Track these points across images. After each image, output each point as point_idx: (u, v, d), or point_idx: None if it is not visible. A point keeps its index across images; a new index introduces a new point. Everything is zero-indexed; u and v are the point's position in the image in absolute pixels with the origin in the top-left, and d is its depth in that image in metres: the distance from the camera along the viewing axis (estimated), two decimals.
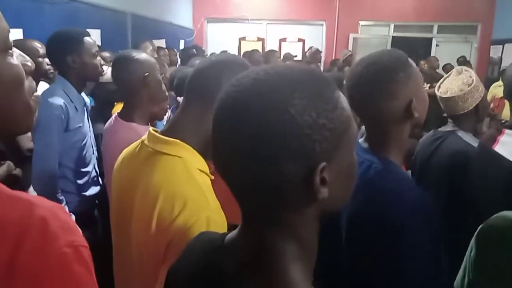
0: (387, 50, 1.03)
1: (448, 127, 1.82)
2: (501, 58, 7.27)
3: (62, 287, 0.52)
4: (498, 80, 5.23)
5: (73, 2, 3.70)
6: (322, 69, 7.01)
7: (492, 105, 4.33)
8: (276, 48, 7.08)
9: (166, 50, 4.66)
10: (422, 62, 6.37)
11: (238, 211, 0.57)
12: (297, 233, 0.54)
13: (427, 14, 7.90)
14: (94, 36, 2.23)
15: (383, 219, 0.91)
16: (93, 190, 2.05)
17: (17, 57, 0.59)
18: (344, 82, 1.07)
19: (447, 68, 6.38)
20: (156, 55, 3.85)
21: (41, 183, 1.79)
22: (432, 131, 1.91)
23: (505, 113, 4.33)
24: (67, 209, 1.83)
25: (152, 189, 0.89)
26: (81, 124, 1.93)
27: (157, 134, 0.96)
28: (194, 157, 0.93)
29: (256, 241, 0.55)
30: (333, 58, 7.45)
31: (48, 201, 0.57)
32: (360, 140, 1.08)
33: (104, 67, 2.19)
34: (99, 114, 2.32)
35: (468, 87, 1.71)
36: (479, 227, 0.96)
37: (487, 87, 2.15)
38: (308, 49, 6.36)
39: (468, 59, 7.33)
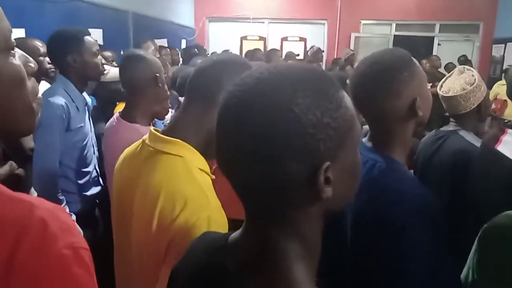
0: (390, 49, 1.03)
1: (450, 127, 1.81)
2: (503, 57, 7.26)
3: None
4: (500, 79, 5.23)
5: (75, 2, 3.70)
6: (323, 68, 7.00)
7: (493, 106, 4.32)
8: (278, 47, 7.07)
9: (168, 49, 4.67)
10: (424, 61, 6.35)
11: (239, 207, 0.57)
12: (301, 232, 0.54)
13: (429, 13, 7.89)
14: (96, 36, 2.23)
15: (385, 218, 0.91)
16: (94, 190, 2.04)
17: (19, 57, 0.59)
18: (348, 81, 1.06)
19: (449, 67, 6.38)
20: (158, 55, 3.85)
21: (41, 182, 1.79)
22: (434, 130, 1.90)
23: (508, 113, 4.33)
24: (67, 209, 1.83)
25: (153, 188, 0.89)
26: (82, 124, 1.93)
27: (158, 134, 0.96)
28: (195, 157, 0.92)
29: (259, 240, 0.54)
30: (335, 57, 7.44)
31: (48, 202, 0.57)
32: (364, 139, 1.08)
33: (106, 67, 2.19)
34: (101, 113, 2.31)
35: (470, 86, 1.70)
36: (483, 227, 0.96)
37: (489, 86, 2.14)
38: (310, 48, 6.36)
39: (470, 58, 7.33)
